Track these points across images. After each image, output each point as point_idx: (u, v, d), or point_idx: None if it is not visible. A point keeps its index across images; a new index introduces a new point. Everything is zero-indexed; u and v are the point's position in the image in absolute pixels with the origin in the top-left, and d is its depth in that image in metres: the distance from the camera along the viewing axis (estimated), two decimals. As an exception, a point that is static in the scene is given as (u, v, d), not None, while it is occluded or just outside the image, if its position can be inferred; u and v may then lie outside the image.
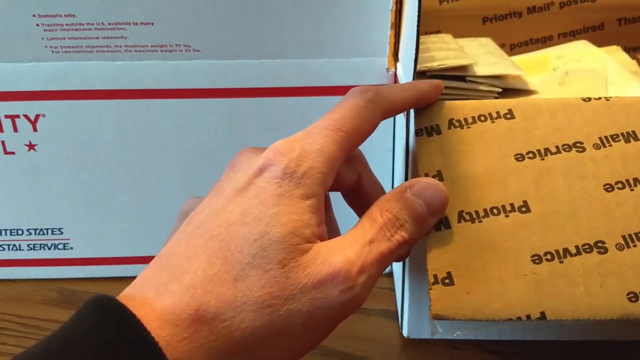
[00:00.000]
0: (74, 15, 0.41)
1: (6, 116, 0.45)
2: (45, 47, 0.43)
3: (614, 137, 0.34)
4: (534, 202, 0.33)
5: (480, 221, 0.32)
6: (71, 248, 0.49)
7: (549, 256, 0.31)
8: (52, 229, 0.48)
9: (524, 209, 0.33)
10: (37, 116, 0.45)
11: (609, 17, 0.61)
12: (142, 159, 0.46)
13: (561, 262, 0.31)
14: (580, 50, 0.55)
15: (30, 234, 0.48)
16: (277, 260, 0.27)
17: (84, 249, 0.49)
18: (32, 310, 0.47)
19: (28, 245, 0.49)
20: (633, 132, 0.34)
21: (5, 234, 0.49)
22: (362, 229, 0.30)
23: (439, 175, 0.34)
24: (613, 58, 0.52)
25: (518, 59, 0.55)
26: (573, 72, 0.50)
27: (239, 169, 0.30)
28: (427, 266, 0.31)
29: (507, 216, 0.32)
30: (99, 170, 0.46)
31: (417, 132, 0.35)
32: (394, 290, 0.48)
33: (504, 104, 0.36)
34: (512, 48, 0.62)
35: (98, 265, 0.49)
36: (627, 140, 0.34)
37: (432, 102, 0.36)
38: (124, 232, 0.49)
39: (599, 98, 0.35)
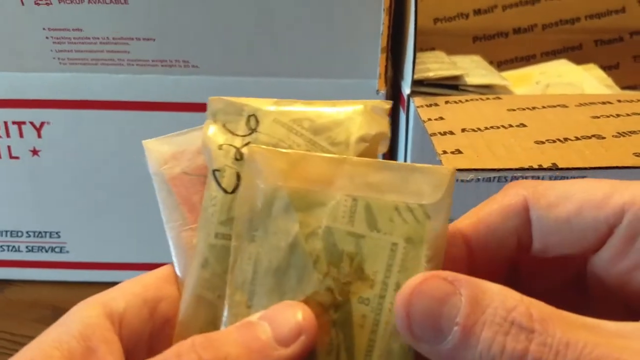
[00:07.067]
0: (81, 30, 0.42)
1: (13, 122, 0.46)
2: (54, 58, 0.44)
3: (590, 103, 0.40)
4: (530, 123, 0.37)
5: (482, 131, 0.36)
6: (67, 252, 0.50)
7: (551, 140, 0.34)
8: (50, 232, 0.49)
9: (521, 125, 0.37)
10: (42, 123, 0.46)
11: (587, 38, 0.65)
12: (140, 168, 0.47)
13: (563, 142, 0.34)
14: (560, 68, 0.58)
15: (30, 236, 0.49)
16: None
17: (80, 253, 0.50)
18: (25, 328, 0.47)
19: (27, 247, 0.50)
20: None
21: (6, 235, 0.49)
22: None
23: (439, 120, 0.37)
24: (590, 74, 0.55)
25: (505, 74, 0.57)
26: (553, 85, 0.54)
27: None
28: (434, 149, 0.33)
29: (506, 128, 0.36)
30: (98, 178, 0.47)
31: (418, 106, 0.40)
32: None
33: (490, 96, 0.42)
34: (499, 65, 0.65)
35: (92, 269, 0.50)
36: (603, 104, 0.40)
37: None
38: (119, 238, 0.49)
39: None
